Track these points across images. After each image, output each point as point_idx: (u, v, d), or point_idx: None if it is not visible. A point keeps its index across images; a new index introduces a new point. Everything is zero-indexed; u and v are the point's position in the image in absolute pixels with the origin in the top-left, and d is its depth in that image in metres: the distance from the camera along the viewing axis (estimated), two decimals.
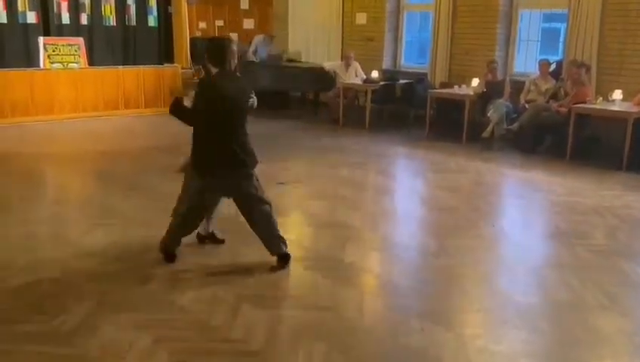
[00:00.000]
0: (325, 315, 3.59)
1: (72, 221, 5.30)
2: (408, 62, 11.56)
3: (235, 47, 4.16)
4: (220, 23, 12.91)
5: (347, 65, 10.68)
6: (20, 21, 10.66)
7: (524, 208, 6.17)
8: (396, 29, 11.36)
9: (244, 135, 4.18)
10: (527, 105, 8.52)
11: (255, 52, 11.58)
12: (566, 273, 4.28)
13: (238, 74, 4.32)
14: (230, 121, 4.09)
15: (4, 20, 10.50)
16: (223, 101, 4.01)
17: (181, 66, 11.71)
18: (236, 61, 4.16)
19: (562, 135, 8.02)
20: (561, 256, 4.68)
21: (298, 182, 6.63)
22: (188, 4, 12.39)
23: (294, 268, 4.39)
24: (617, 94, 7.82)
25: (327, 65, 11.17)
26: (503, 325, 3.56)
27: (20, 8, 10.62)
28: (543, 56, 9.29)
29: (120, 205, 5.67)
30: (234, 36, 12.08)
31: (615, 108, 7.70)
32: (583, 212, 5.75)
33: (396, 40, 11.42)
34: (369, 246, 4.86)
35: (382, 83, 10.20)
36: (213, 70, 4.09)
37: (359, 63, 10.76)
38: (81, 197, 6.21)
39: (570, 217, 5.61)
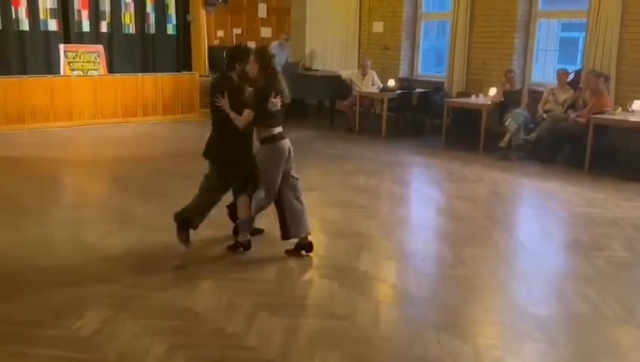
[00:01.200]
0: (341, 324, 3.59)
1: (90, 226, 5.34)
2: (425, 71, 11.56)
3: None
4: (237, 31, 12.99)
5: (364, 74, 10.69)
6: (42, 28, 10.83)
7: (542, 219, 6.12)
8: (413, 37, 11.37)
9: (228, 133, 4.47)
10: (544, 116, 8.48)
11: None
12: (584, 285, 4.25)
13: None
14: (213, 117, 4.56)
15: (27, 28, 10.67)
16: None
17: (199, 74, 11.81)
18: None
19: (580, 145, 7.96)
20: (579, 268, 4.64)
21: (313, 190, 6.63)
22: (206, 12, 12.49)
23: (310, 276, 4.40)
24: (637, 104, 7.75)
25: (344, 73, 11.20)
26: (520, 337, 3.53)
27: (41, 16, 10.79)
28: (561, 66, 9.24)
29: (137, 210, 5.72)
30: (251, 44, 12.13)
31: (634, 118, 7.62)
32: (601, 223, 5.70)
33: (413, 48, 11.42)
34: (384, 255, 4.85)
35: (398, 91, 10.21)
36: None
37: (376, 72, 10.78)
38: (99, 202, 6.27)
39: (588, 228, 5.56)
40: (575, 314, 3.84)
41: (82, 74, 10.67)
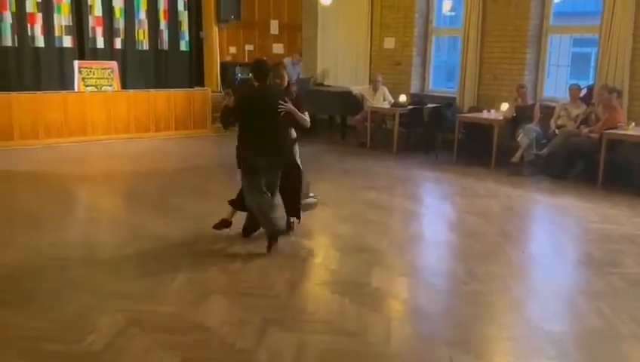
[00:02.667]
0: (352, 341, 3.56)
1: (103, 239, 5.37)
2: (436, 87, 11.56)
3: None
4: (249, 47, 13.09)
5: (375, 89, 10.72)
6: (57, 45, 10.98)
7: (555, 235, 6.07)
8: (424, 53, 11.39)
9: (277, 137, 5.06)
10: (557, 131, 8.44)
11: None
12: (598, 301, 4.20)
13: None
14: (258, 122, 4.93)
15: (42, 44, 10.83)
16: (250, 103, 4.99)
17: (211, 90, 11.90)
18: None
19: (593, 161, 7.91)
20: (593, 284, 4.58)
21: (324, 205, 6.62)
22: (219, 29, 12.59)
23: (321, 292, 4.39)
24: None
25: (355, 89, 11.23)
26: (534, 353, 3.49)
27: (56, 33, 10.95)
28: (574, 81, 9.20)
29: (150, 225, 5.73)
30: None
31: None
32: (615, 239, 5.64)
33: (424, 64, 11.44)
34: (396, 271, 4.82)
35: (410, 107, 10.21)
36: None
37: (387, 87, 10.80)
38: (112, 217, 6.29)
39: (602, 244, 5.50)
40: (589, 330, 3.79)
41: (96, 90, 10.78)
